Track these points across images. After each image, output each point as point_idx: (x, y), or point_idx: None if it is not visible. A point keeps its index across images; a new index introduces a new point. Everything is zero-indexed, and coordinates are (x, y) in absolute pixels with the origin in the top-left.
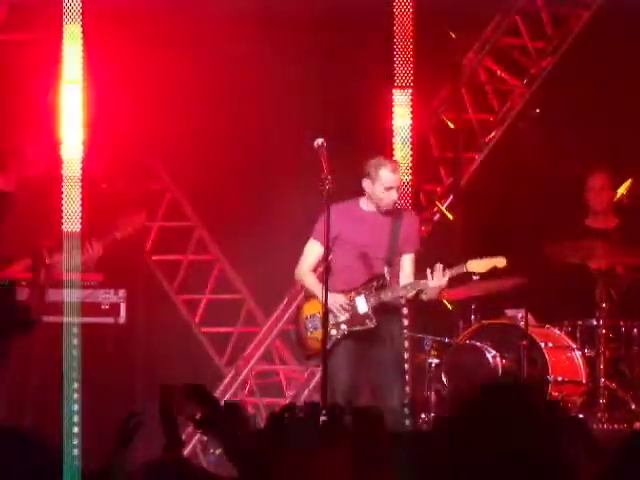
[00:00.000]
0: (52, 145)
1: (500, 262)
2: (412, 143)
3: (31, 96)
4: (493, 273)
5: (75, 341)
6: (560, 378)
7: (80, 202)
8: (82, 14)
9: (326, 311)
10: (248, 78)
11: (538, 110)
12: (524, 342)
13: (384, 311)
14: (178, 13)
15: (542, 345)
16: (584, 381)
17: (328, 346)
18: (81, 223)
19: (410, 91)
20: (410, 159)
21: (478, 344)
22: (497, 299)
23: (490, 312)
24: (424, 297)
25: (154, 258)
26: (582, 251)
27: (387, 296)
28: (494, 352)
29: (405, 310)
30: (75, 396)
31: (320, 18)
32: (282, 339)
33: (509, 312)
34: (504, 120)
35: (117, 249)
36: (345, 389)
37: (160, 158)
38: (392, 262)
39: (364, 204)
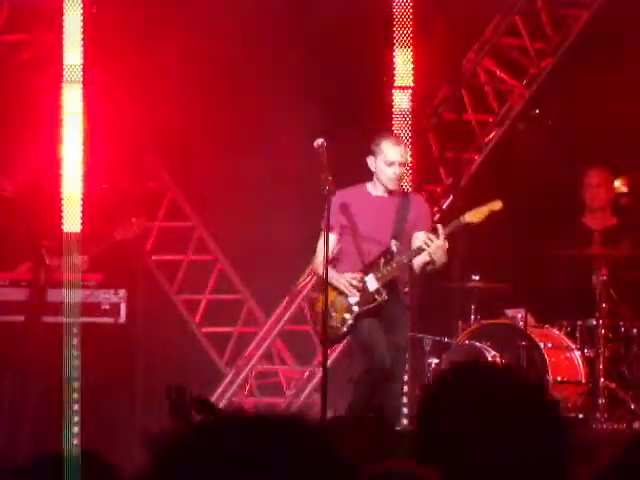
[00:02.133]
0: (52, 145)
1: (496, 205)
2: (412, 143)
3: (31, 96)
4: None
5: (75, 341)
6: (559, 378)
7: (80, 203)
8: (82, 14)
9: (326, 306)
10: (248, 78)
11: (538, 110)
12: (523, 342)
13: (392, 290)
14: (179, 13)
15: (541, 345)
16: (584, 381)
17: (344, 330)
18: (81, 224)
19: (410, 91)
20: (410, 159)
21: (477, 344)
22: (497, 299)
23: (490, 312)
24: (430, 267)
25: (154, 258)
26: (581, 252)
27: (393, 268)
28: (493, 352)
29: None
30: (75, 396)
31: (320, 18)
32: (282, 339)
33: (509, 312)
34: (504, 120)
35: (117, 249)
36: (384, 352)
37: (160, 158)
38: (400, 243)
39: (372, 188)
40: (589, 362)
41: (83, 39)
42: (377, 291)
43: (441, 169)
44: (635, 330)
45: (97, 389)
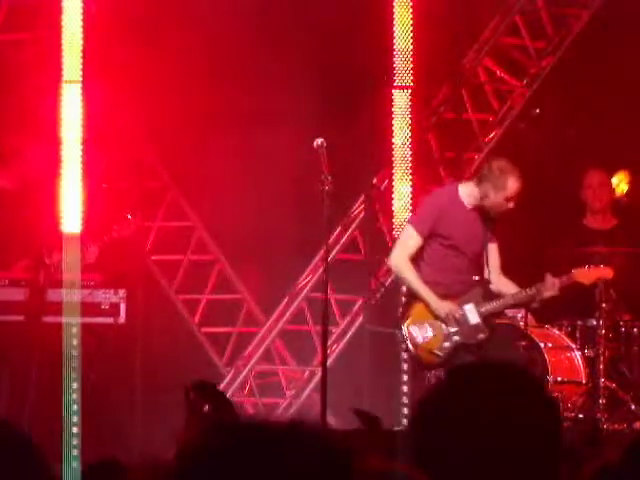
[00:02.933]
0: (52, 145)
1: (607, 273)
2: (412, 143)
3: (31, 96)
4: None
5: (75, 341)
6: (560, 378)
7: (80, 202)
8: (82, 14)
9: (325, 308)
10: (248, 78)
11: (538, 110)
12: (523, 342)
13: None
14: (178, 12)
15: (542, 345)
16: (584, 381)
17: (442, 357)
18: (81, 224)
19: (410, 91)
20: (410, 159)
21: None
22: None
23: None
24: (535, 305)
25: (154, 258)
26: (581, 252)
27: (498, 305)
28: None
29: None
30: (75, 396)
31: (320, 17)
32: (282, 339)
33: (509, 312)
34: (504, 120)
35: (116, 249)
36: None
37: (160, 158)
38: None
39: (464, 196)
40: (589, 362)
41: (83, 39)
42: (479, 327)
43: (441, 169)
44: (635, 330)
45: (97, 389)
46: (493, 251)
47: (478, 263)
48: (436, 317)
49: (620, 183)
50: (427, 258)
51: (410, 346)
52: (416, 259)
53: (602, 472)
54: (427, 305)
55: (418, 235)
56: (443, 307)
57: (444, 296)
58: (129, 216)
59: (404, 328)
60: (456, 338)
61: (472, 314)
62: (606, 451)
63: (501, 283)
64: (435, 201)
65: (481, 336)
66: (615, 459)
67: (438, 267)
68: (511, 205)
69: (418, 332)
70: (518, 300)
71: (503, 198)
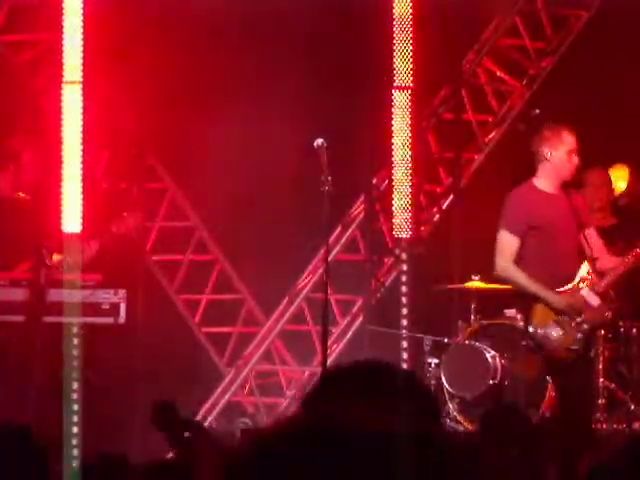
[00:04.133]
0: (52, 145)
1: None
2: (412, 143)
3: (31, 96)
4: None
5: (75, 341)
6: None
7: (80, 203)
8: (82, 14)
9: (325, 308)
10: (248, 78)
11: (538, 110)
12: (524, 343)
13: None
14: (178, 12)
15: None
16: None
17: (579, 349)
18: (81, 224)
19: (410, 91)
20: (410, 159)
21: (477, 344)
22: (497, 299)
23: (490, 312)
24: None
25: (154, 258)
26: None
27: (611, 278)
28: (493, 352)
29: (405, 310)
30: (75, 396)
31: (320, 17)
32: (282, 339)
33: (509, 312)
34: (504, 121)
35: (116, 249)
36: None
37: (160, 158)
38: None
39: (541, 185)
40: None
41: (83, 39)
42: (602, 307)
43: (441, 169)
44: (635, 330)
45: (97, 389)
46: (590, 231)
47: (577, 245)
48: (558, 313)
49: (618, 179)
50: (527, 256)
51: (545, 349)
52: (517, 261)
53: (596, 471)
54: (547, 303)
55: (514, 236)
56: (561, 301)
57: (553, 287)
58: (125, 214)
59: (533, 334)
60: (585, 327)
61: (590, 297)
62: (602, 451)
63: (605, 260)
64: (518, 197)
65: (608, 314)
66: (609, 458)
67: (540, 261)
68: (575, 160)
69: (548, 333)
70: (628, 266)
71: (565, 152)
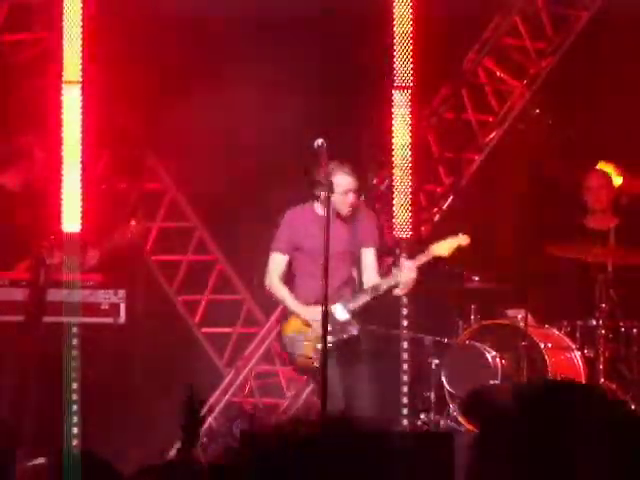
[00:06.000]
0: (53, 145)
1: (463, 240)
2: (412, 143)
3: (31, 96)
4: None
5: (75, 341)
6: (560, 378)
7: (80, 203)
8: (82, 14)
9: (326, 312)
10: (248, 78)
11: (538, 110)
12: (523, 342)
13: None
14: (178, 13)
15: (542, 346)
16: (584, 381)
17: (312, 356)
18: (81, 224)
19: (410, 91)
20: (410, 159)
21: (478, 344)
22: (497, 299)
23: (490, 312)
24: (399, 292)
25: (154, 258)
26: (581, 253)
27: (363, 299)
28: (494, 352)
29: (405, 310)
30: (75, 396)
31: (320, 17)
32: None
33: (509, 312)
34: (504, 121)
35: (117, 249)
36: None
37: (160, 158)
38: (355, 261)
39: (319, 209)
40: (589, 362)
41: (83, 39)
42: (349, 322)
43: (441, 169)
44: (635, 330)
45: (97, 389)
46: (365, 253)
47: (342, 266)
48: (307, 324)
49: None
50: (294, 271)
51: (291, 356)
52: (289, 275)
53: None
54: (297, 315)
55: (278, 253)
56: (308, 312)
57: (316, 302)
58: (132, 222)
59: (283, 338)
60: (329, 338)
61: (340, 312)
62: None
63: (373, 282)
64: (288, 218)
65: (352, 330)
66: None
67: (301, 276)
68: (351, 198)
69: (294, 341)
70: (379, 290)
71: (340, 194)
